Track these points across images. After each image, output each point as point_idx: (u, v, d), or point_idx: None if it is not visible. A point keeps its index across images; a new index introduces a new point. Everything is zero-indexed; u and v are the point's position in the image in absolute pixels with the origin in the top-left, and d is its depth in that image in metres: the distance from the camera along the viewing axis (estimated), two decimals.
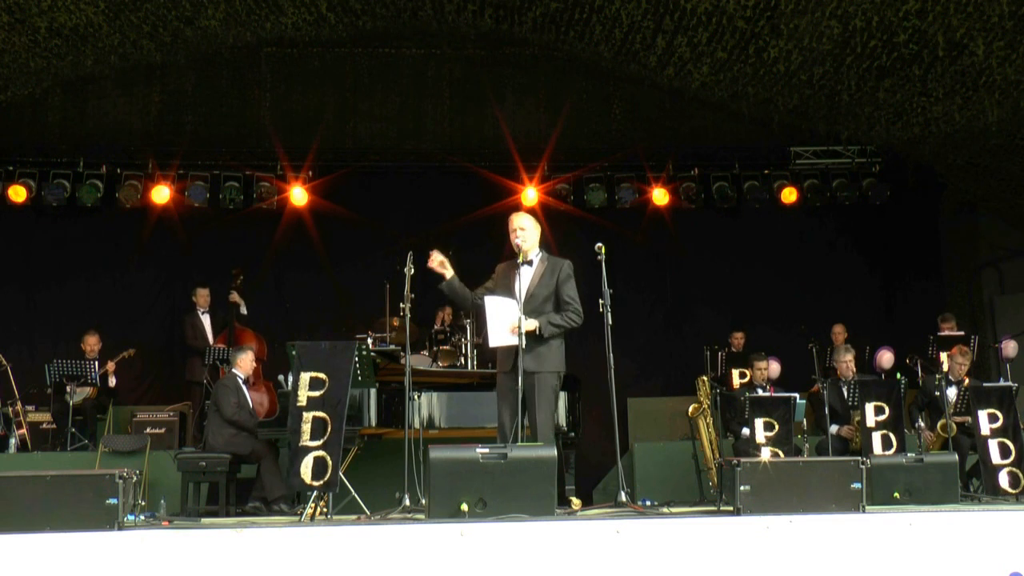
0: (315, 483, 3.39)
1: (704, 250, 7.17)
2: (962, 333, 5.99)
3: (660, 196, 7.01)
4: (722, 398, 5.50)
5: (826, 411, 4.95)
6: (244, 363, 5.15)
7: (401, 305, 3.86)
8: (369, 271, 6.41)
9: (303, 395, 3.59)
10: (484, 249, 5.74)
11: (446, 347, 5.92)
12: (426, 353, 5.94)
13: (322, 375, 3.64)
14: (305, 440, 3.47)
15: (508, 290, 3.66)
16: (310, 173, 6.93)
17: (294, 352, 3.77)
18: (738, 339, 6.57)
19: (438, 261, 3.60)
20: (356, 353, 3.89)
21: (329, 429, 3.47)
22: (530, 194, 6.83)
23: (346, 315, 6.46)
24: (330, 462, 3.40)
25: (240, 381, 5.08)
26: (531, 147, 6.80)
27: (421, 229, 6.48)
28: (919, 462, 3.81)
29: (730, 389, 5.78)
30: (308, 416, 3.51)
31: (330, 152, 6.86)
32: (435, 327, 6.29)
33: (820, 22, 5.15)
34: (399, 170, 6.99)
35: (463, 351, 5.90)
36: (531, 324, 3.58)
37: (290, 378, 4.05)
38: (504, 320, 3.52)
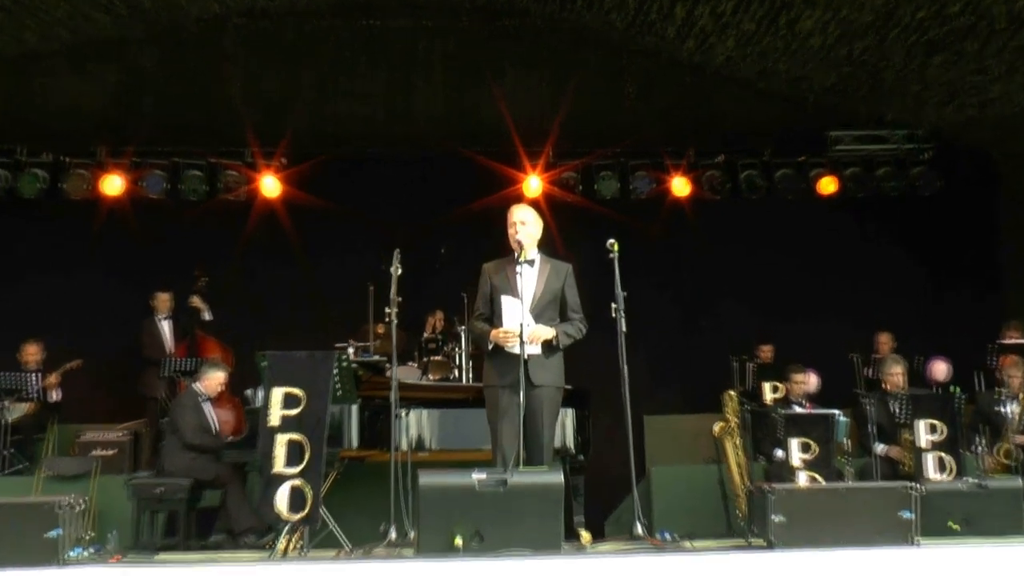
0: (293, 517, 3.39)
1: (730, 247, 7.19)
2: None
3: (680, 186, 7.03)
4: (753, 415, 5.45)
5: (871, 429, 4.93)
6: (211, 383, 5.11)
7: (387, 310, 3.88)
8: (351, 271, 6.42)
9: (276, 414, 3.61)
10: (481, 246, 5.82)
11: (438, 358, 5.96)
12: (415, 364, 5.96)
13: (297, 390, 3.66)
14: (279, 467, 3.47)
15: (509, 294, 3.68)
16: (284, 160, 6.96)
17: (265, 363, 3.78)
18: (766, 352, 6.55)
19: (503, 335, 3.60)
20: (336, 364, 3.91)
21: (307, 454, 3.50)
22: (533, 183, 6.87)
23: (324, 321, 6.48)
24: (309, 493, 3.41)
25: (200, 400, 5.07)
26: (534, 131, 6.81)
27: (410, 223, 6.43)
28: (980, 488, 3.77)
29: (761, 405, 5.74)
30: (282, 439, 3.55)
31: (307, 137, 6.85)
32: (425, 335, 6.32)
33: None
34: (385, 157, 7.01)
35: (457, 362, 5.92)
36: (547, 332, 3.61)
37: (260, 393, 4.07)
38: (514, 324, 3.55)
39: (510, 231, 3.78)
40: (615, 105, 6.98)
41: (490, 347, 3.65)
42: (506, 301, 3.63)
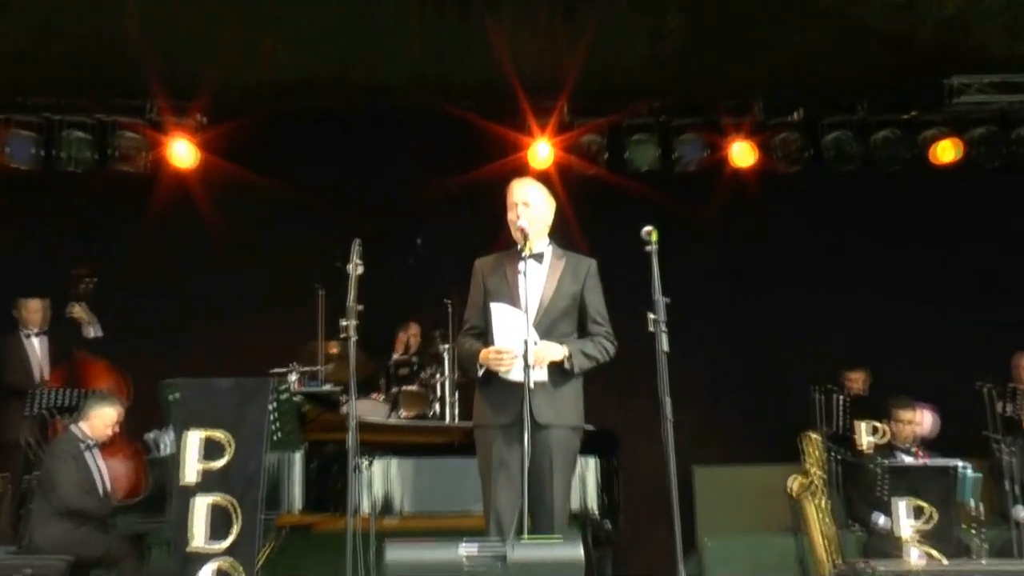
0: None
1: (811, 237, 7.23)
2: None
3: (742, 153, 7.09)
4: (844, 466, 5.47)
5: (1011, 487, 4.94)
6: (97, 423, 5.09)
7: (343, 322, 3.88)
8: (294, 270, 6.46)
9: (191, 467, 3.64)
10: (471, 235, 5.82)
11: (412, 388, 6.15)
12: (380, 397, 6.18)
13: (220, 434, 3.72)
14: (198, 542, 3.51)
15: (508, 300, 3.69)
16: (202, 119, 7.05)
17: (175, 395, 3.87)
18: (857, 380, 6.57)
19: (495, 356, 3.64)
20: (273, 397, 3.95)
21: (237, 523, 3.53)
22: (541, 151, 6.93)
23: (257, 337, 6.57)
24: None
25: (84, 447, 5.05)
26: (542, 81, 6.80)
27: (374, 205, 6.54)
28: None
29: (856, 453, 5.68)
30: (202, 502, 3.58)
31: (234, 88, 6.81)
32: (395, 356, 6.47)
33: None
34: (340, 116, 7.09)
35: (438, 394, 6.11)
36: (556, 351, 3.63)
37: (167, 438, 4.18)
38: (513, 341, 3.57)
39: (510, 215, 3.80)
40: (652, 47, 6.76)
41: (480, 373, 3.67)
42: (503, 310, 3.65)
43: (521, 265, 3.66)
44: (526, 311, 3.56)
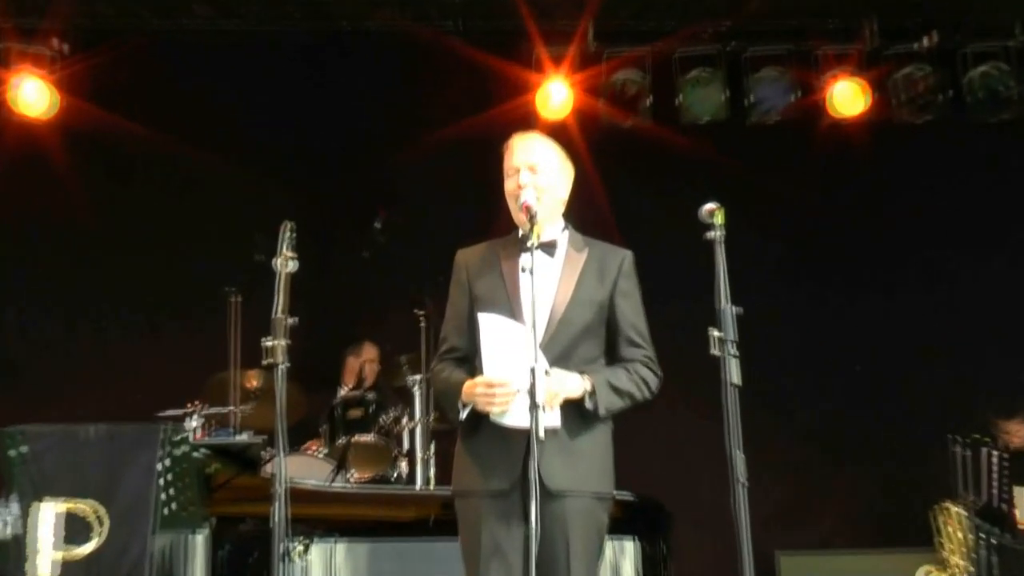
0: None
1: (946, 216, 7.22)
2: None
3: (847, 96, 7.06)
4: (1000, 553, 5.40)
5: None
6: None
7: (265, 342, 3.87)
8: (193, 265, 6.54)
9: (45, 556, 3.62)
10: (456, 215, 5.82)
11: (367, 437, 6.05)
12: (319, 451, 6.08)
13: (87, 506, 3.71)
14: None
15: (505, 310, 3.71)
16: (60, 46, 7.01)
17: (19, 450, 3.83)
18: (1020, 431, 6.42)
19: (482, 392, 3.64)
20: (165, 452, 3.96)
21: None
22: (555, 93, 6.87)
23: (142, 363, 6.57)
24: None
25: None
26: None
27: (314, 171, 6.55)
28: None
29: (1017, 534, 5.55)
30: None
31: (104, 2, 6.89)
32: (343, 391, 6.49)
33: None
34: (264, 38, 7.10)
35: (404, 445, 6.04)
36: (575, 384, 3.65)
37: (10, 510, 4.02)
38: (512, 369, 3.57)
39: (509, 186, 3.81)
40: None
41: (463, 415, 3.69)
42: (497, 325, 3.64)
43: (525, 259, 3.63)
44: (534, 326, 3.53)
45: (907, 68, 7.15)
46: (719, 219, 3.62)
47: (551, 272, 3.75)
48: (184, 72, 7.07)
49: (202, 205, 6.90)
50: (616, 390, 3.69)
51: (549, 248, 3.76)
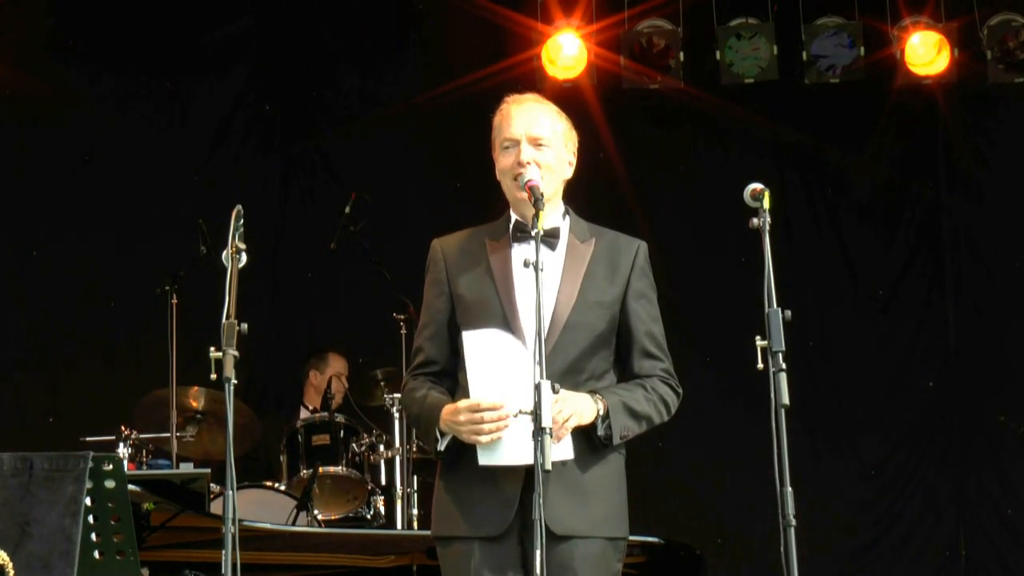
0: None
1: None
2: None
3: (924, 52, 7.03)
4: None
5: None
6: None
7: (213, 353, 3.73)
8: (122, 257, 6.57)
9: None
10: (437, 198, 5.90)
11: (335, 469, 6.20)
12: (278, 486, 6.19)
13: None
14: None
15: (494, 316, 3.70)
16: None
17: None
18: None
19: (467, 418, 3.61)
20: (88, 486, 3.81)
21: None
22: (566, 47, 6.90)
23: (61, 380, 6.68)
24: None
25: None
26: None
27: (271, 139, 6.58)
28: None
29: None
30: None
31: None
32: (305, 413, 6.68)
33: None
34: None
35: (378, 481, 6.30)
36: (586, 407, 3.59)
37: None
38: (506, 389, 3.57)
39: (504, 162, 3.71)
40: None
41: (442, 446, 3.63)
42: (483, 337, 3.60)
43: (525, 251, 3.58)
44: (539, 334, 3.45)
45: (999, 16, 7.11)
46: (766, 202, 3.63)
47: (552, 268, 3.68)
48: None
49: (128, 181, 6.85)
50: (633, 413, 3.66)
51: (550, 238, 3.68)
